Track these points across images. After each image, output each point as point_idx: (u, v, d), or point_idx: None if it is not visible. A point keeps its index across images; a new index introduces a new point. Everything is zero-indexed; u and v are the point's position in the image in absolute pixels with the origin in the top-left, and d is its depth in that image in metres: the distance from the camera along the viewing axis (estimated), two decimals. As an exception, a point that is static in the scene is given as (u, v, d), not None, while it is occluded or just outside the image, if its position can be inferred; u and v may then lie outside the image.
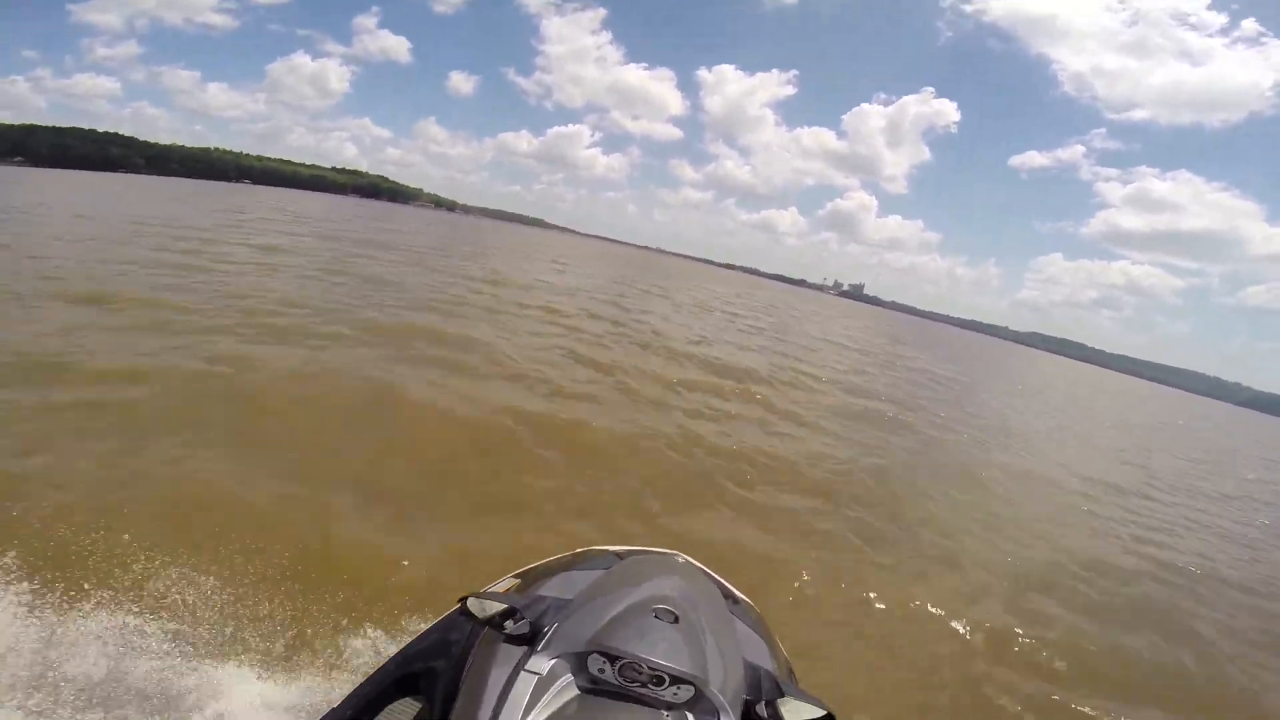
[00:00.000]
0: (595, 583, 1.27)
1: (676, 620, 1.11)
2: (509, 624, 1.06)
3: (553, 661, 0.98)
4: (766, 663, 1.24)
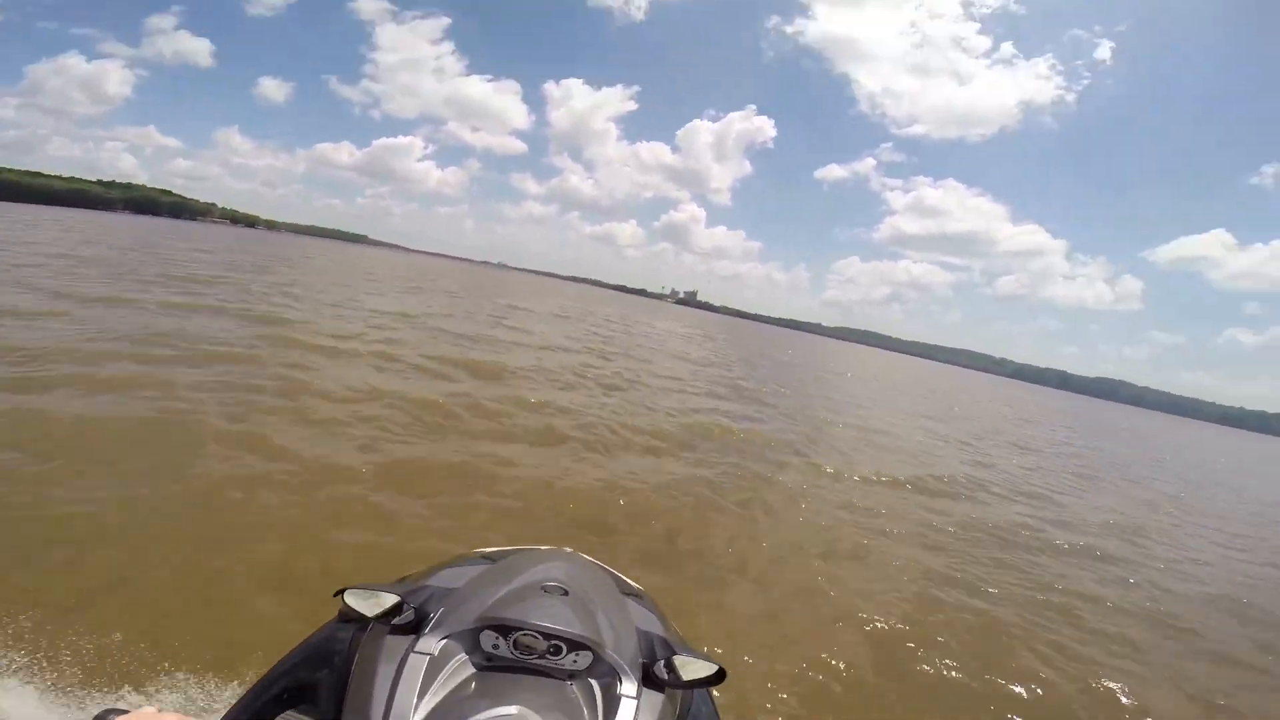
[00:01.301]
0: (482, 572, 1.26)
1: (566, 594, 1.12)
2: (389, 615, 1.02)
3: (443, 641, 0.96)
4: (659, 631, 1.25)
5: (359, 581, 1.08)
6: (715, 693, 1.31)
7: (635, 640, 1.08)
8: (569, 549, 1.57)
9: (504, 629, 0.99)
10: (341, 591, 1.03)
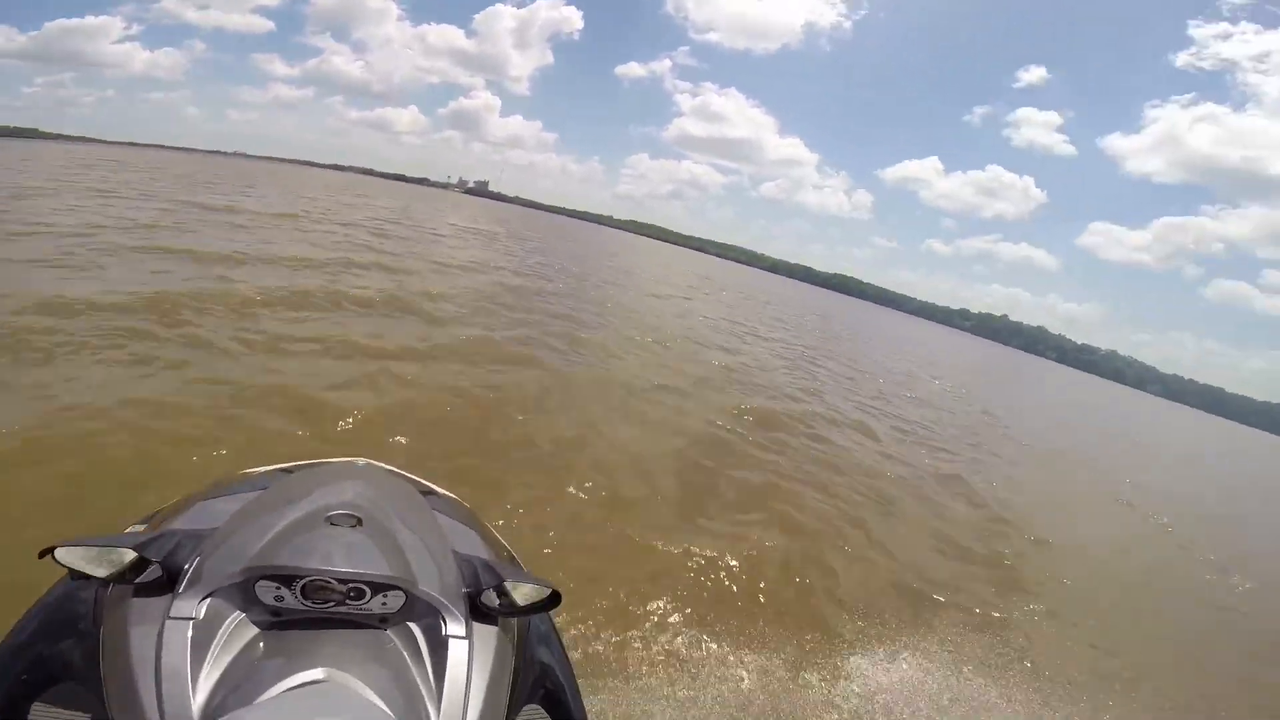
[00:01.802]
0: (246, 506, 0.96)
1: (360, 524, 0.89)
2: (141, 577, 0.78)
3: (205, 601, 0.76)
4: (482, 552, 1.07)
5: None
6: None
7: (455, 568, 0.92)
8: (361, 460, 1.29)
9: (285, 578, 0.78)
10: (49, 550, 0.75)
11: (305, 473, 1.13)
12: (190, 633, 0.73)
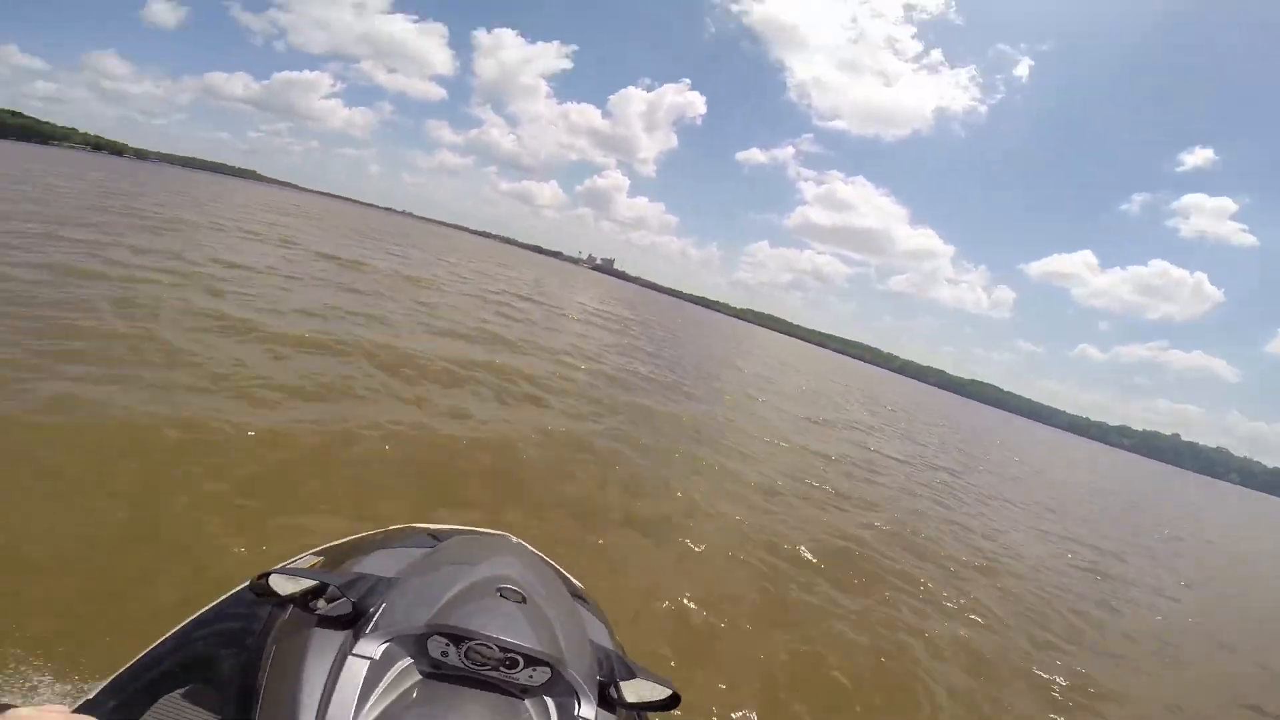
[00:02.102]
0: (422, 559, 1.14)
1: (524, 600, 1.01)
2: (320, 604, 0.93)
3: (385, 645, 0.86)
4: (608, 643, 1.19)
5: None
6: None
7: (592, 656, 1.02)
8: (512, 537, 1.48)
9: (456, 638, 0.89)
10: (264, 576, 0.92)
11: (468, 539, 1.37)
12: (365, 672, 0.81)
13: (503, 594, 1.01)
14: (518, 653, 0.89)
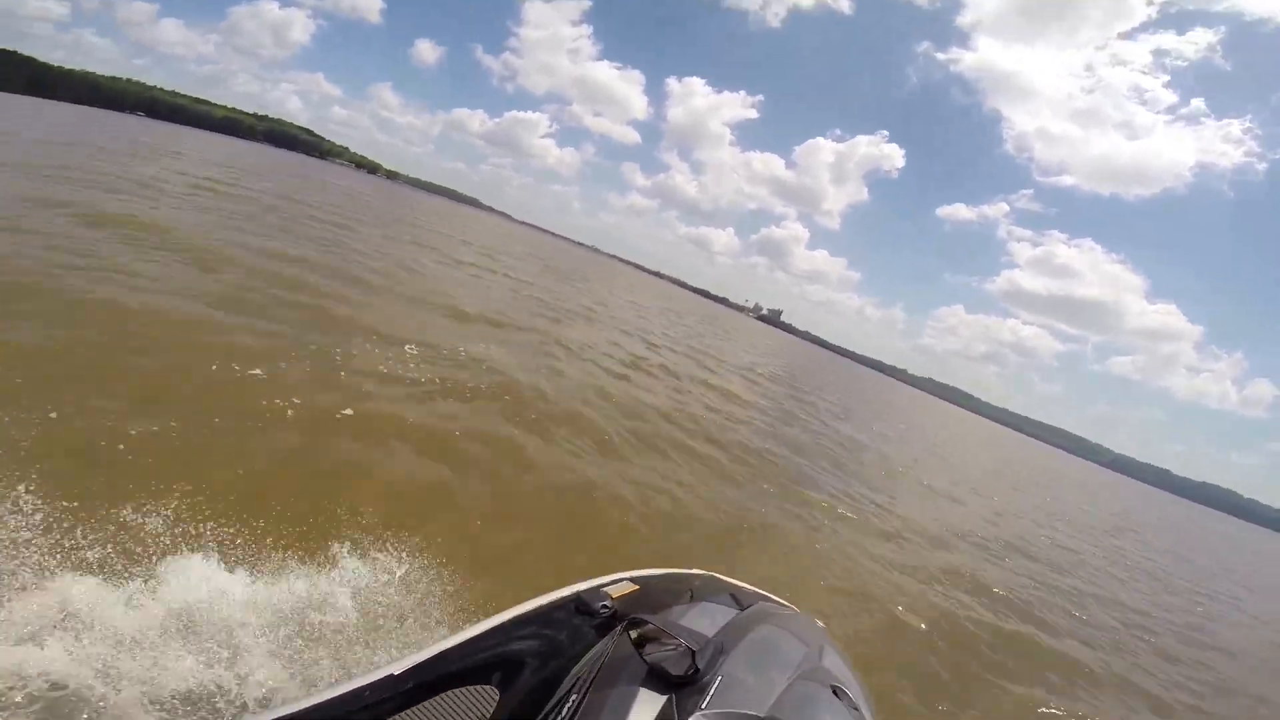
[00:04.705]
0: (738, 626, 1.16)
1: (845, 697, 1.03)
2: (654, 649, 0.93)
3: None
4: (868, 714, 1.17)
5: None
6: None
7: None
8: (818, 621, 1.59)
9: None
10: (628, 623, 0.97)
11: (779, 613, 1.35)
12: None
13: (836, 694, 1.01)
14: None
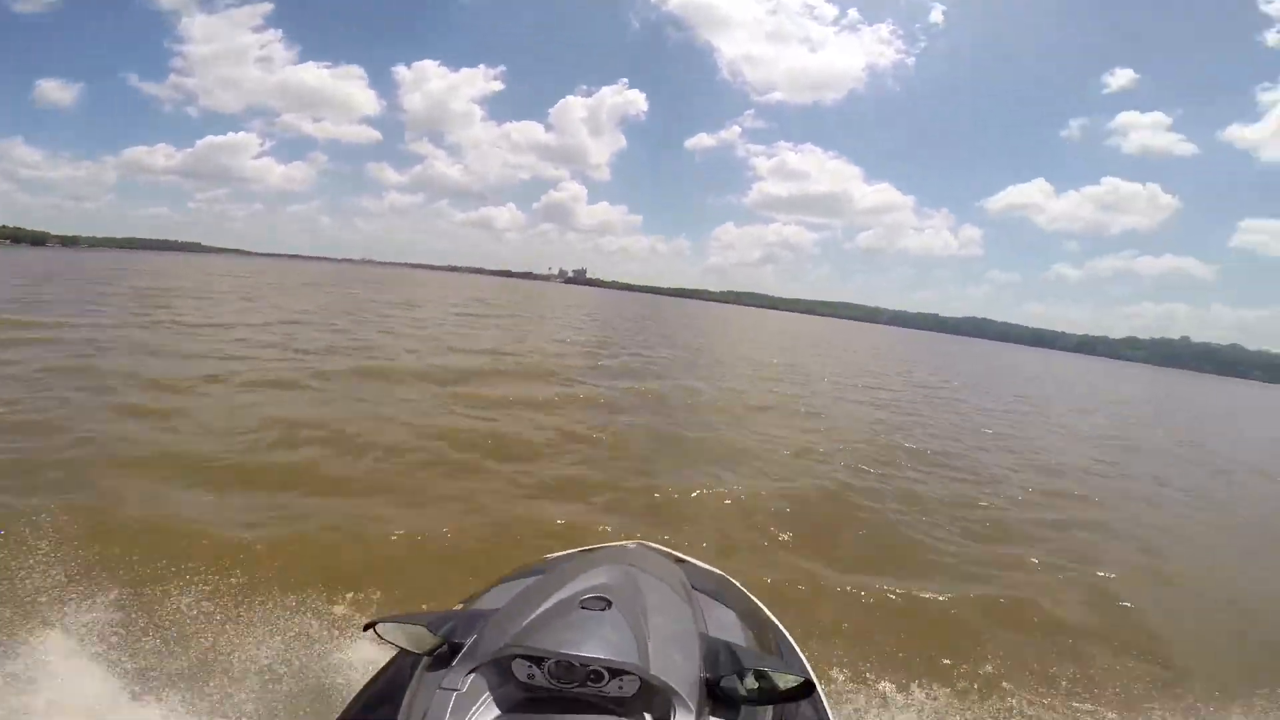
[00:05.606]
0: (527, 586, 1.17)
1: (609, 606, 1.00)
2: (439, 648, 0.96)
3: (471, 675, 0.88)
4: (738, 634, 1.13)
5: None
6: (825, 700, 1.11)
7: (697, 655, 0.97)
8: (633, 543, 1.51)
9: (537, 658, 0.90)
10: (372, 625, 0.99)
11: (582, 557, 1.36)
12: (451, 703, 0.83)
13: (583, 605, 1.00)
14: (596, 665, 0.88)
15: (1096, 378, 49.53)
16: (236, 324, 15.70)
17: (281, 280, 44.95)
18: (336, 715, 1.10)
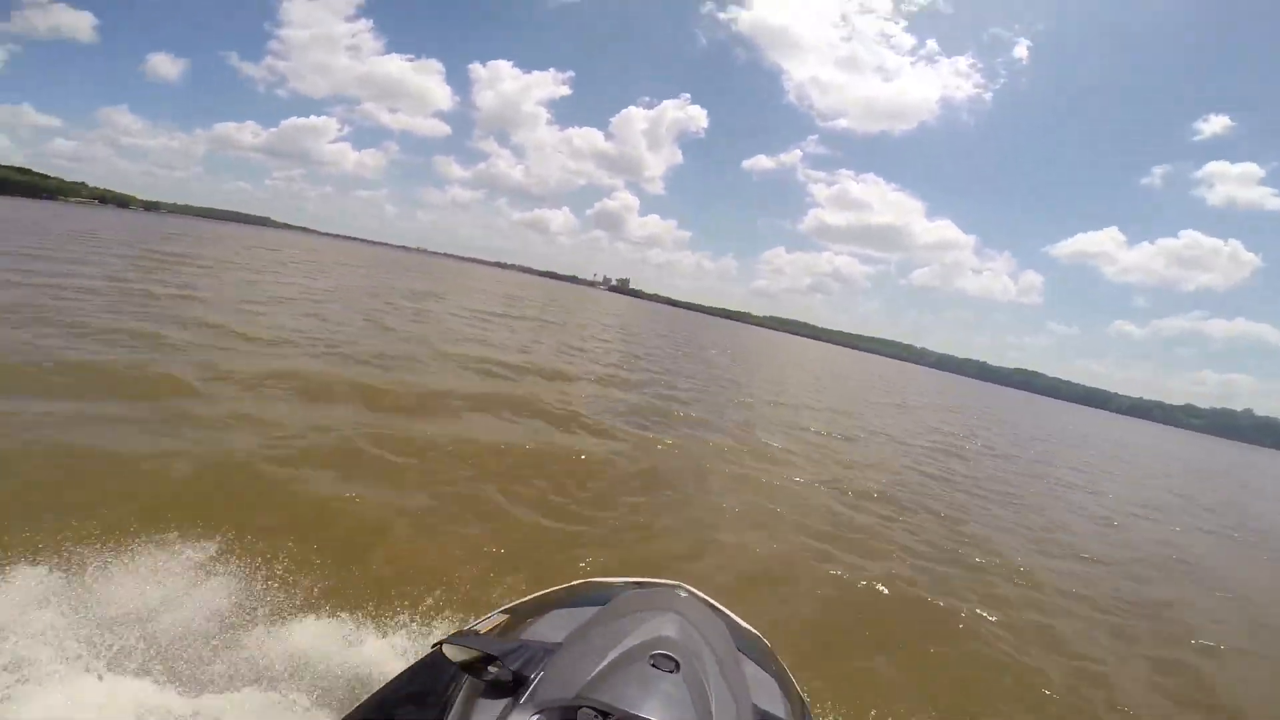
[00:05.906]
0: (587, 623, 1.17)
1: (677, 668, 1.00)
2: (491, 669, 0.95)
3: (536, 716, 0.87)
4: (777, 705, 1.15)
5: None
6: None
7: None
8: (684, 590, 1.43)
9: (603, 711, 0.87)
10: (440, 643, 0.99)
11: (635, 595, 1.31)
12: None
13: (654, 663, 1.00)
14: None
15: (1184, 450, 43.39)
16: (191, 296, 13.38)
17: (336, 259, 44.19)
18: (360, 702, 1.10)
